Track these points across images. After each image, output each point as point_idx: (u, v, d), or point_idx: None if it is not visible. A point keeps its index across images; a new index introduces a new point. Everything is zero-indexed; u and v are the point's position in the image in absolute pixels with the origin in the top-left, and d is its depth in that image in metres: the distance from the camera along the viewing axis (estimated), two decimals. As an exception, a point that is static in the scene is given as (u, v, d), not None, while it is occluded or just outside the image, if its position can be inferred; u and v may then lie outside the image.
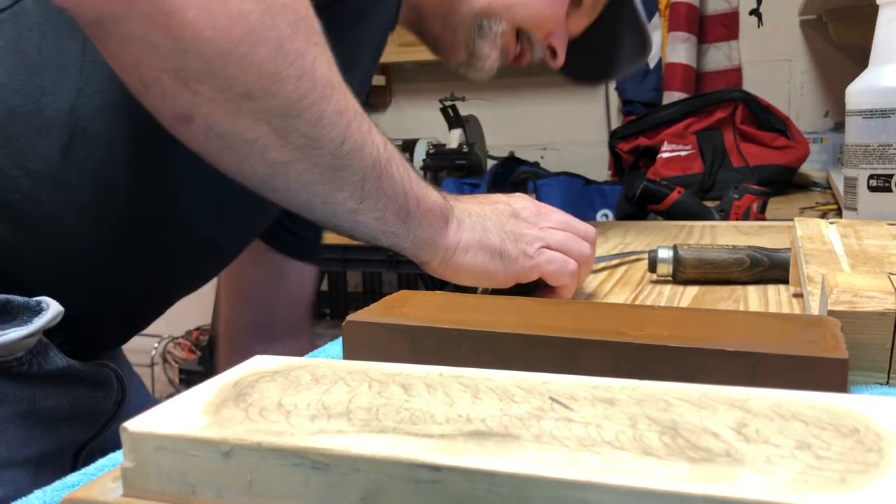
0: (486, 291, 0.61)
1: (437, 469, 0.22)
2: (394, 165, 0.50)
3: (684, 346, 0.36)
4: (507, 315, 0.43)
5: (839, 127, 1.87)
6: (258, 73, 0.42)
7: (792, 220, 0.62)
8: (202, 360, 2.22)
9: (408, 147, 2.09)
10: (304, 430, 0.25)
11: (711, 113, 1.65)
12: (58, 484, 0.34)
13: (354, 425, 0.25)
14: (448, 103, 2.05)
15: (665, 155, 1.63)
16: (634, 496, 0.21)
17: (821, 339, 0.36)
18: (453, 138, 2.05)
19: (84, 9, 0.40)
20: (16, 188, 0.51)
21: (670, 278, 0.65)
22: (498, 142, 2.25)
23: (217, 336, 0.96)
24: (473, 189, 1.82)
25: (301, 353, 0.93)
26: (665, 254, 0.64)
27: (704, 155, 1.59)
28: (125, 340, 0.67)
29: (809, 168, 1.65)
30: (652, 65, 2.08)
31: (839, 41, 1.88)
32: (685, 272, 0.64)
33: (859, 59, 0.82)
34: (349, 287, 2.40)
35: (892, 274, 0.43)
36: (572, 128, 2.30)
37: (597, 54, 0.90)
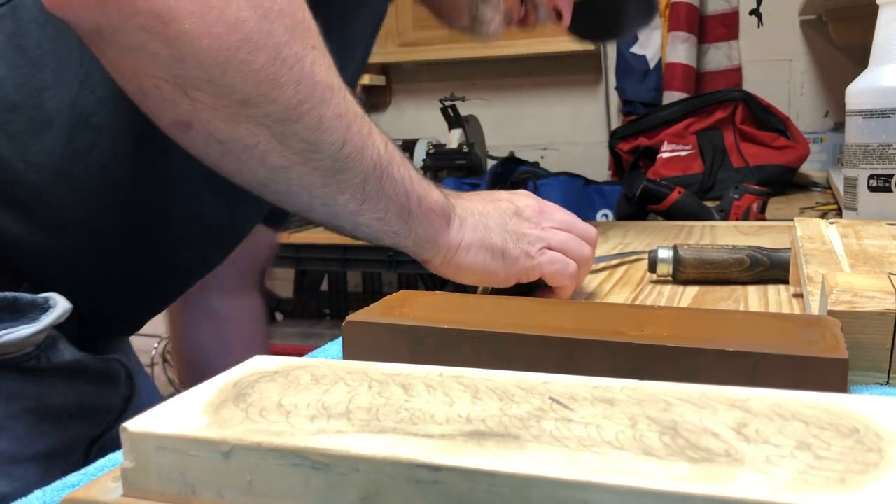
0: (486, 291, 0.61)
1: (437, 469, 0.22)
2: (395, 166, 0.50)
3: (684, 346, 0.36)
4: (507, 315, 0.43)
5: (839, 127, 1.87)
6: (257, 80, 0.42)
7: (792, 220, 0.62)
8: (202, 360, 2.21)
9: (408, 147, 2.09)
10: (304, 430, 0.25)
11: (711, 113, 1.65)
12: (58, 484, 0.34)
13: (354, 425, 0.25)
14: (448, 103, 2.06)
15: (665, 155, 1.63)
16: (634, 496, 0.21)
17: (821, 339, 0.36)
18: (453, 138, 2.06)
19: (82, 18, 0.41)
20: (21, 182, 0.51)
21: (670, 278, 0.65)
22: (498, 142, 2.26)
23: None
24: (473, 189, 1.82)
25: (249, 313, 0.94)
26: (665, 254, 0.64)
27: (704, 155, 1.59)
28: (140, 326, 0.67)
29: (809, 168, 1.65)
30: (652, 65, 2.08)
31: (839, 41, 1.88)
32: (685, 272, 0.64)
33: (859, 59, 0.82)
34: (349, 287, 2.40)
35: (892, 274, 0.43)
36: (572, 128, 2.30)
37: (602, 15, 0.90)
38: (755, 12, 2.07)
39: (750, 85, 2.01)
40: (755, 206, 1.16)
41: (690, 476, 0.21)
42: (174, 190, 0.58)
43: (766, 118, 1.60)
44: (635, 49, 2.10)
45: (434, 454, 0.23)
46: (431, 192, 0.53)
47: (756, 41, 2.08)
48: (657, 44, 2.08)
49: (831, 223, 0.59)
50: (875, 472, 0.21)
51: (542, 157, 2.30)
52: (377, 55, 2.36)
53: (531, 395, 0.27)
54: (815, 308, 0.44)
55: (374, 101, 2.49)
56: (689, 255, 0.64)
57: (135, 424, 0.26)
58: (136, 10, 0.39)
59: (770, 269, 0.63)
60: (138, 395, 0.63)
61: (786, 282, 0.62)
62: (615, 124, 2.19)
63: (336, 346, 0.51)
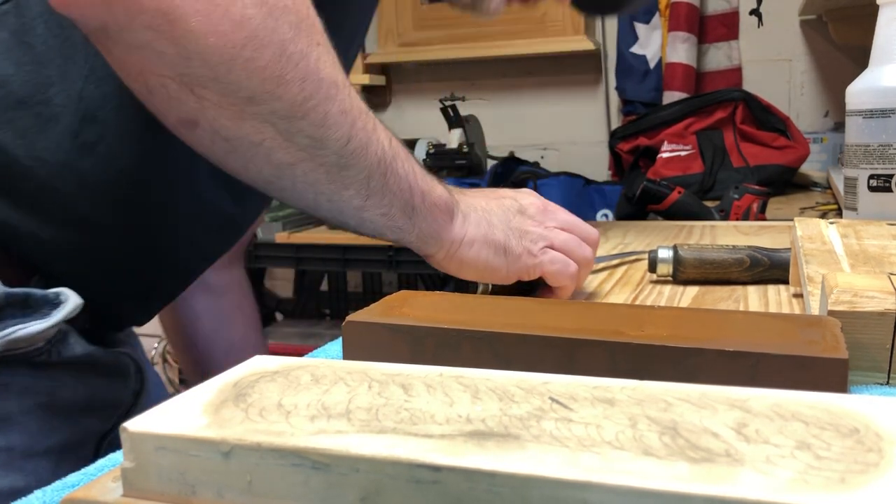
0: (486, 290, 0.61)
1: (437, 469, 0.22)
2: (399, 161, 0.50)
3: (684, 346, 0.36)
4: (507, 315, 0.43)
5: (839, 127, 1.87)
6: (262, 77, 0.42)
7: (792, 220, 0.62)
8: (202, 360, 2.21)
9: (408, 147, 2.09)
10: (304, 431, 0.25)
11: (711, 113, 1.65)
12: (58, 484, 0.34)
13: (354, 425, 0.25)
14: (448, 103, 2.06)
15: (665, 155, 1.63)
16: (634, 496, 0.21)
17: (821, 339, 0.36)
18: (453, 138, 2.06)
19: (88, 17, 0.41)
20: (31, 178, 0.51)
21: (670, 278, 0.65)
22: (498, 142, 2.25)
23: None
24: (474, 189, 1.82)
25: (238, 284, 0.96)
26: (665, 254, 0.64)
27: (704, 155, 1.59)
28: (151, 316, 0.67)
29: (809, 168, 1.65)
30: (652, 65, 2.08)
31: (839, 41, 1.88)
32: (685, 272, 0.64)
33: (859, 59, 0.82)
34: (349, 287, 2.40)
35: (892, 274, 0.43)
36: (572, 128, 2.30)
37: None
38: (755, 12, 2.07)
39: (750, 85, 2.01)
40: (755, 206, 1.16)
41: (690, 476, 0.21)
42: (181, 183, 0.58)
43: (766, 118, 1.60)
44: (635, 49, 2.10)
45: (434, 454, 0.23)
46: (435, 188, 0.53)
47: (756, 41, 2.08)
48: (657, 44, 2.08)
49: (831, 223, 0.59)
50: (875, 472, 0.21)
51: (542, 157, 2.30)
52: (377, 55, 2.36)
53: (531, 395, 0.27)
54: (815, 308, 0.44)
55: (374, 101, 2.48)
56: (689, 255, 0.64)
57: (135, 424, 0.26)
58: (142, 9, 0.39)
59: (770, 269, 0.63)
60: (147, 391, 0.63)
61: (786, 282, 0.62)
62: (615, 124, 2.19)
63: (336, 346, 0.51)
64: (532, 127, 2.33)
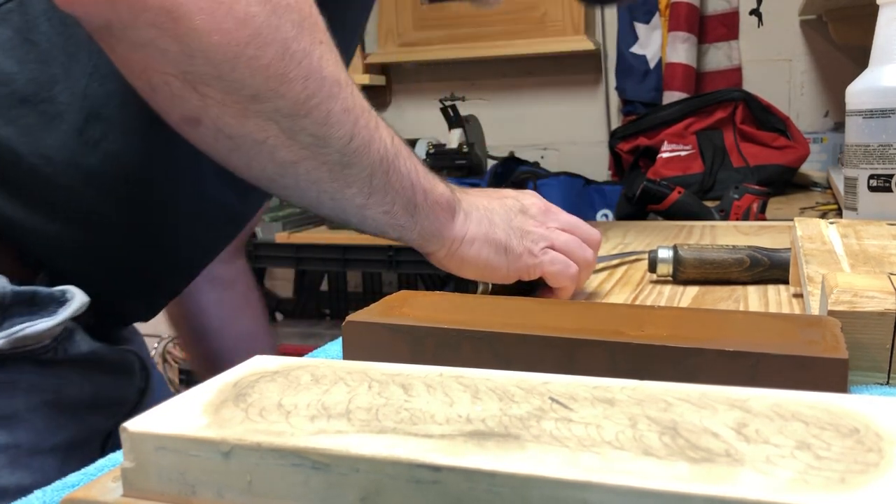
0: (486, 290, 0.61)
1: (437, 469, 0.22)
2: (401, 159, 0.51)
3: (684, 346, 0.36)
4: (507, 315, 0.43)
5: (839, 127, 1.87)
6: (266, 75, 0.42)
7: (792, 220, 0.62)
8: (202, 360, 2.21)
9: (408, 147, 2.09)
10: (304, 431, 0.25)
11: (711, 113, 1.65)
12: (58, 484, 0.34)
13: (354, 425, 0.25)
14: (448, 103, 2.06)
15: (665, 155, 1.63)
16: (634, 496, 0.21)
17: (821, 339, 0.36)
18: (453, 138, 2.06)
19: (92, 15, 0.41)
20: (37, 175, 0.52)
21: (670, 278, 0.65)
22: (498, 142, 2.25)
23: None
24: (474, 189, 1.82)
25: (243, 275, 0.97)
26: (665, 254, 0.64)
27: (704, 155, 1.59)
28: (156, 312, 0.67)
29: (809, 168, 1.65)
30: (652, 65, 2.08)
31: (839, 41, 1.88)
32: (685, 272, 0.64)
33: (859, 59, 0.82)
34: (349, 287, 2.40)
35: (892, 274, 0.43)
36: (572, 128, 2.30)
37: None
38: (755, 12, 2.07)
39: (750, 85, 2.01)
40: (755, 206, 1.16)
41: (690, 476, 0.21)
42: (185, 180, 0.58)
43: (766, 118, 1.60)
44: (635, 49, 2.10)
45: (434, 454, 0.23)
46: (437, 186, 0.54)
47: (756, 41, 2.08)
48: (657, 44, 2.08)
49: (831, 223, 0.59)
50: (875, 472, 0.21)
51: (542, 157, 2.30)
52: (377, 55, 2.36)
53: (531, 395, 0.27)
54: (815, 308, 0.44)
55: (374, 101, 2.46)
56: (689, 255, 0.64)
57: (135, 424, 0.26)
58: (146, 7, 0.39)
59: (770, 269, 0.63)
60: (151, 389, 0.63)
61: (786, 282, 0.62)
62: (615, 124, 2.19)
63: (336, 346, 0.51)
64: (532, 127, 2.33)
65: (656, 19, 2.08)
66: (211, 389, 0.29)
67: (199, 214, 0.62)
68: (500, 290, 0.59)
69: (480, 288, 0.61)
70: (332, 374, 0.30)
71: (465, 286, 0.63)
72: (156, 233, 0.59)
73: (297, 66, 0.43)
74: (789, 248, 0.62)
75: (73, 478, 0.34)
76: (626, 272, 0.71)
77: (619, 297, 0.62)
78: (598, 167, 2.19)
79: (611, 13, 2.17)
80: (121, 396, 0.61)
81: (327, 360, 0.32)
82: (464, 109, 2.10)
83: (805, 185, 1.60)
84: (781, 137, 1.56)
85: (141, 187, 0.55)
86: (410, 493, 0.23)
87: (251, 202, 0.68)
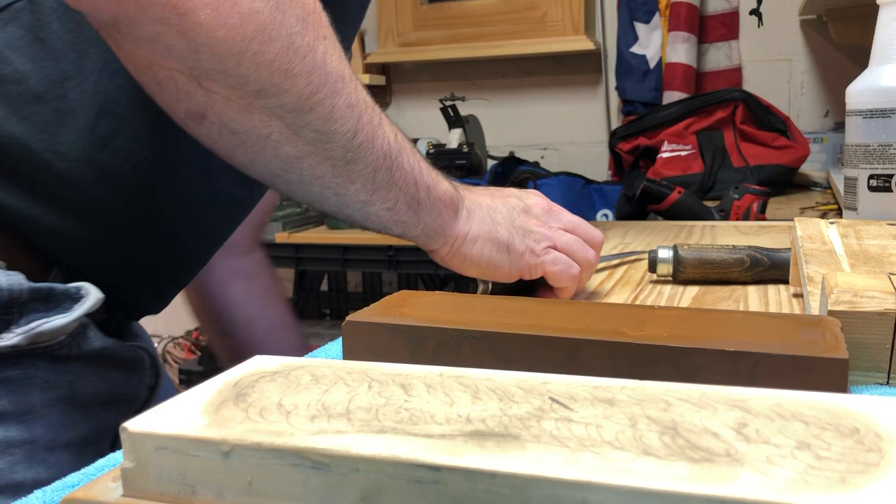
0: (486, 289, 0.61)
1: (437, 469, 0.22)
2: (404, 156, 0.51)
3: (684, 346, 0.36)
4: (507, 315, 0.43)
5: (839, 127, 1.87)
6: (270, 70, 0.42)
7: (792, 220, 0.62)
8: (202, 360, 2.22)
9: (409, 146, 2.09)
10: (304, 431, 0.25)
11: (711, 113, 1.65)
12: (58, 484, 0.34)
13: (354, 425, 0.25)
14: (448, 103, 2.06)
15: (665, 155, 1.63)
16: (634, 496, 0.21)
17: (821, 339, 0.36)
18: (453, 138, 2.06)
19: (99, 10, 0.41)
20: (50, 171, 0.52)
21: (670, 278, 0.65)
22: (498, 142, 2.26)
23: None
24: (473, 189, 1.82)
25: (263, 264, 0.99)
26: (665, 254, 0.64)
27: (704, 155, 1.59)
28: (166, 303, 0.67)
29: (809, 168, 1.65)
30: (652, 65, 2.08)
31: (839, 41, 1.88)
32: (685, 272, 0.64)
33: (859, 59, 0.82)
34: (349, 287, 2.40)
35: (892, 274, 0.43)
36: (572, 128, 2.30)
37: None
38: (755, 12, 2.07)
39: (750, 85, 2.01)
40: (755, 206, 1.16)
41: (690, 476, 0.21)
42: (195, 174, 0.59)
43: (766, 118, 1.60)
44: (635, 49, 2.10)
45: (434, 454, 0.23)
46: (440, 183, 0.54)
47: (756, 41, 2.08)
48: (657, 44, 2.08)
49: (831, 223, 0.59)
50: (875, 472, 0.21)
51: (542, 157, 2.30)
52: (377, 55, 2.36)
53: (531, 395, 0.27)
54: (815, 308, 0.44)
55: (374, 101, 2.48)
56: (689, 255, 0.64)
57: (135, 424, 0.26)
58: (152, 2, 0.39)
59: (770, 269, 0.63)
60: (161, 386, 0.63)
61: (786, 282, 0.62)
62: (615, 124, 2.19)
63: (336, 346, 0.51)
64: (532, 127, 2.33)
65: (656, 19, 2.08)
66: (211, 389, 0.29)
67: (209, 208, 0.62)
68: (500, 289, 0.59)
69: (480, 287, 0.61)
70: (332, 374, 0.30)
71: (465, 286, 0.63)
72: (167, 226, 0.59)
73: (302, 62, 0.43)
74: (789, 248, 0.62)
75: (72, 478, 0.34)
76: (626, 272, 0.71)
77: (620, 297, 0.62)
78: (598, 167, 2.19)
79: (611, 13, 2.17)
80: (132, 393, 0.61)
81: (327, 360, 0.32)
82: (464, 109, 2.10)
83: (805, 185, 1.60)
84: (781, 137, 1.56)
85: (152, 182, 0.56)
86: (410, 493, 0.23)
87: (257, 192, 0.69)
